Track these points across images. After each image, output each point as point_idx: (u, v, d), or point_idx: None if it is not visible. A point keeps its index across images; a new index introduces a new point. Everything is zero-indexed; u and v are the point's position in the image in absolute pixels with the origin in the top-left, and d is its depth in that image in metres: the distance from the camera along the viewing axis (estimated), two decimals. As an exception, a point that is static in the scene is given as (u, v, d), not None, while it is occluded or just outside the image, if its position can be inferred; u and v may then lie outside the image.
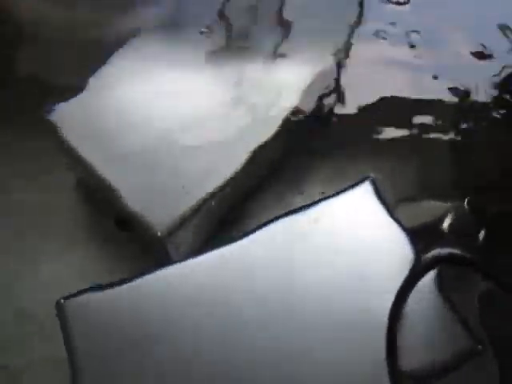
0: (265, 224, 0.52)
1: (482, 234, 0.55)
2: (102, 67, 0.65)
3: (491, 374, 0.51)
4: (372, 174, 0.53)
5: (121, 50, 0.67)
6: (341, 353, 0.44)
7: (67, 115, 0.61)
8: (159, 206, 0.56)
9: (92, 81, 0.64)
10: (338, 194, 0.52)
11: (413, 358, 0.44)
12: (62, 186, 0.67)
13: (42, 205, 0.66)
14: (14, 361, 0.60)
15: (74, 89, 0.62)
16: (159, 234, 0.54)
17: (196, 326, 0.47)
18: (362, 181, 0.52)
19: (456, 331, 0.44)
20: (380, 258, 0.48)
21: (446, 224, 0.56)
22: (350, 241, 0.49)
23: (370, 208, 0.50)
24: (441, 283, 0.47)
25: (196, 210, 0.56)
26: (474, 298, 0.55)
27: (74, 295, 0.50)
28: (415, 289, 0.46)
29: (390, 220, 0.50)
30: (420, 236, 0.51)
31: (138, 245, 0.62)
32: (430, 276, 0.47)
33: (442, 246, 0.51)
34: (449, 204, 0.58)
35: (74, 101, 0.62)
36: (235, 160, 0.60)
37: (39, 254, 0.64)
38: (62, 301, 0.50)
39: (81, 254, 0.63)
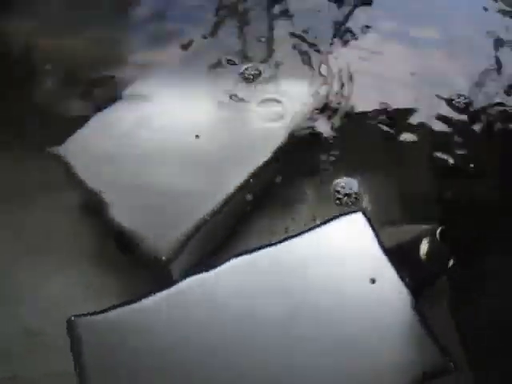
0: (262, 247, 0.57)
1: (451, 260, 0.60)
2: (105, 109, 0.70)
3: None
4: (362, 205, 0.59)
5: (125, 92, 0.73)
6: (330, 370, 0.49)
7: (72, 147, 0.66)
8: (161, 229, 0.61)
9: (94, 118, 0.69)
10: (329, 221, 0.57)
11: (385, 374, 0.49)
12: (66, 208, 0.71)
13: (47, 225, 0.70)
14: (22, 373, 0.63)
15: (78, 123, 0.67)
16: (164, 258, 0.59)
17: (198, 341, 0.52)
18: (352, 211, 0.58)
19: (428, 348, 0.49)
20: (368, 287, 0.53)
21: (421, 247, 0.61)
22: (340, 267, 0.54)
23: (359, 237, 0.56)
24: (414, 297, 0.52)
25: (195, 232, 0.61)
26: (447, 311, 0.60)
27: (85, 314, 0.54)
28: (388, 303, 0.51)
29: (378, 249, 0.55)
30: (399, 257, 0.57)
31: (138, 265, 0.66)
32: (403, 290, 0.52)
33: (417, 268, 0.56)
34: (425, 228, 0.63)
35: (78, 134, 0.67)
36: (232, 183, 0.65)
37: (44, 274, 0.68)
38: (73, 319, 0.54)
39: (86, 273, 0.67)
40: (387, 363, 0.49)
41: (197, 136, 0.68)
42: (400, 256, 0.56)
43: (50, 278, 0.67)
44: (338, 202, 0.70)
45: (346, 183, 0.72)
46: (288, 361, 0.49)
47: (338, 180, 0.72)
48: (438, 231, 0.60)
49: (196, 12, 0.92)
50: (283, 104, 0.73)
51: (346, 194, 0.71)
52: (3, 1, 0.89)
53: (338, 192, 0.71)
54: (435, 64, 0.87)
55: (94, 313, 0.54)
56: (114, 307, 0.54)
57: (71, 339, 0.53)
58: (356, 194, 0.70)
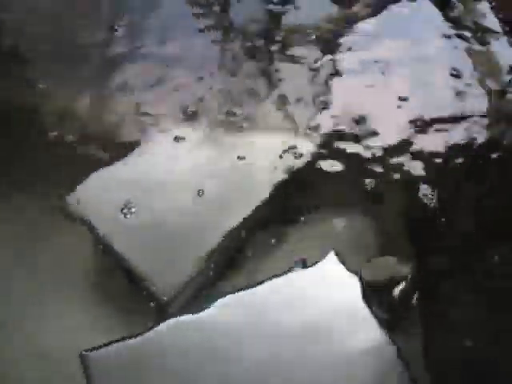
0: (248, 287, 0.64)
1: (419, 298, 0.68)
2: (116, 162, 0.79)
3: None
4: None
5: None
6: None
7: (83, 196, 0.74)
8: (164, 274, 0.69)
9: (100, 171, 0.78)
10: (306, 266, 0.66)
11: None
12: (76, 247, 0.78)
13: (59, 264, 0.77)
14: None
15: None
16: (165, 299, 0.68)
17: (193, 371, 0.59)
18: (327, 253, 0.66)
19: (398, 374, 0.56)
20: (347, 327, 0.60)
21: (394, 285, 0.69)
22: (317, 309, 0.61)
23: (335, 277, 0.63)
24: (388, 328, 0.60)
25: (193, 278, 0.70)
26: (419, 340, 0.67)
27: (96, 348, 0.61)
28: (362, 333, 0.58)
29: (354, 288, 0.62)
30: (374, 293, 0.65)
31: (141, 300, 0.72)
32: (375, 325, 0.59)
33: (390, 304, 0.64)
34: (398, 268, 0.71)
35: (88, 182, 0.76)
36: (229, 222, 0.73)
37: (58, 306, 0.75)
38: (86, 353, 0.61)
39: (93, 306, 0.74)
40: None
41: (199, 192, 0.76)
42: (375, 292, 0.63)
43: (62, 311, 0.74)
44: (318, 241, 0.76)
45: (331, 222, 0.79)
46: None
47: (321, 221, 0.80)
48: (409, 276, 0.68)
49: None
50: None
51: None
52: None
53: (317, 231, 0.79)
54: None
55: (103, 346, 0.61)
56: (120, 340, 0.61)
57: (84, 372, 0.60)
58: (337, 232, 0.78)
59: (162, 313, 0.68)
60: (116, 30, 1.03)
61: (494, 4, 1.02)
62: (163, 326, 0.63)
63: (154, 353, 0.60)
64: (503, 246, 0.75)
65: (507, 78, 0.94)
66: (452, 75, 0.95)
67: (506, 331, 0.69)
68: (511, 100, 0.92)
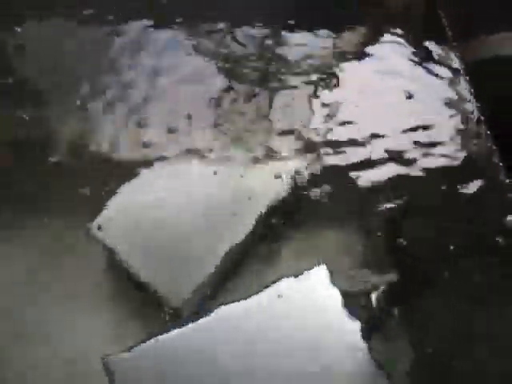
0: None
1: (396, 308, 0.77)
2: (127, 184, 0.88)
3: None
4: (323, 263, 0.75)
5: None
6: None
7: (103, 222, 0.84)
8: (175, 282, 0.78)
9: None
10: (296, 276, 0.74)
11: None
12: (91, 263, 0.87)
13: (77, 278, 0.86)
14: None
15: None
16: (176, 305, 0.77)
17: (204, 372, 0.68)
18: (316, 266, 0.75)
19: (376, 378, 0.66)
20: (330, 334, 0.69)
21: (372, 296, 0.78)
22: (304, 319, 0.70)
23: (321, 289, 0.72)
24: (367, 336, 0.68)
25: (202, 286, 0.79)
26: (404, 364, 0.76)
27: (117, 353, 0.70)
28: (346, 349, 0.67)
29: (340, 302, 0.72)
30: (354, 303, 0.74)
31: (153, 308, 0.81)
32: (359, 337, 0.68)
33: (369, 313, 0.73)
34: (375, 280, 0.80)
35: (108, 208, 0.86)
36: (227, 245, 0.81)
37: (76, 315, 0.83)
38: (108, 357, 0.70)
39: (109, 314, 0.83)
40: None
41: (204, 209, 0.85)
42: (355, 302, 0.73)
43: (82, 319, 0.83)
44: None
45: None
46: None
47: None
48: (379, 291, 0.77)
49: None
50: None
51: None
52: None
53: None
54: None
55: (124, 350, 0.70)
56: (137, 344, 0.70)
57: (107, 376, 0.69)
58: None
59: (176, 317, 0.77)
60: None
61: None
62: (180, 329, 0.72)
63: (173, 354, 0.69)
64: (479, 257, 0.85)
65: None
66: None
67: (477, 333, 0.78)
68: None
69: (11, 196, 0.95)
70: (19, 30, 1.17)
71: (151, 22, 1.18)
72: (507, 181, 0.84)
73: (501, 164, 0.86)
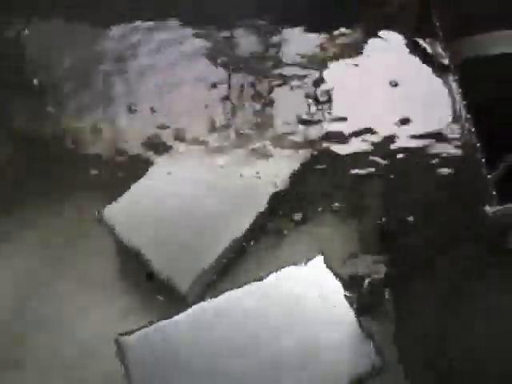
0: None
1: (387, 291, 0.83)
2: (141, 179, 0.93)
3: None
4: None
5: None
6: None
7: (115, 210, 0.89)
8: (183, 270, 0.84)
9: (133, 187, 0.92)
10: (295, 264, 0.80)
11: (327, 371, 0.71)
12: (104, 250, 0.93)
13: (89, 263, 0.92)
14: (78, 374, 0.84)
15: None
16: (183, 292, 0.83)
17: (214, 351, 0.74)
18: (315, 256, 0.80)
19: (365, 349, 0.72)
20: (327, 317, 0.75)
21: (365, 281, 0.84)
22: (302, 305, 0.76)
23: (319, 275, 0.78)
24: (360, 315, 0.75)
25: (208, 270, 0.84)
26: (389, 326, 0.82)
27: (129, 333, 0.75)
28: (333, 314, 0.74)
29: (336, 286, 0.78)
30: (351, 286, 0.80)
31: (161, 293, 0.87)
32: (346, 303, 0.75)
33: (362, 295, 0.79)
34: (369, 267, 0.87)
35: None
36: (231, 233, 0.87)
37: (89, 301, 0.89)
38: (120, 337, 0.76)
39: (121, 300, 0.89)
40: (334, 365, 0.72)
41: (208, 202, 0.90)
42: (352, 285, 0.79)
43: (94, 304, 0.89)
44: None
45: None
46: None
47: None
48: (368, 280, 0.83)
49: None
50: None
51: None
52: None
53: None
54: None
55: (134, 330, 0.76)
56: (149, 324, 0.76)
57: (120, 354, 0.75)
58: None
59: (182, 301, 0.83)
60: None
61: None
62: (188, 310, 0.78)
63: (183, 334, 0.75)
64: (466, 246, 0.91)
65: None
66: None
67: (463, 316, 0.84)
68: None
69: (27, 186, 1.00)
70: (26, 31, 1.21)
71: (151, 24, 1.22)
72: (488, 176, 0.89)
73: (483, 160, 0.92)
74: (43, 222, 0.96)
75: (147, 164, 0.97)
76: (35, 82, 1.09)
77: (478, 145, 0.92)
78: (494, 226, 0.74)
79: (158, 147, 1.02)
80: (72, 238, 0.94)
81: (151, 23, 1.23)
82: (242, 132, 1.04)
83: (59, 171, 1.01)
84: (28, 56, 1.14)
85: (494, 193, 0.84)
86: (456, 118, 1.01)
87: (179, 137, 1.03)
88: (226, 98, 1.10)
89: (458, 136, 0.99)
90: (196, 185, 0.91)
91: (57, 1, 1.16)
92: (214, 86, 1.13)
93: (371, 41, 1.17)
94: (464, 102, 0.99)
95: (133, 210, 0.88)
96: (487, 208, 0.74)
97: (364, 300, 0.79)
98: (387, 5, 1.18)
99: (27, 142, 1.05)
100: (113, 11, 1.23)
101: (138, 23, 1.24)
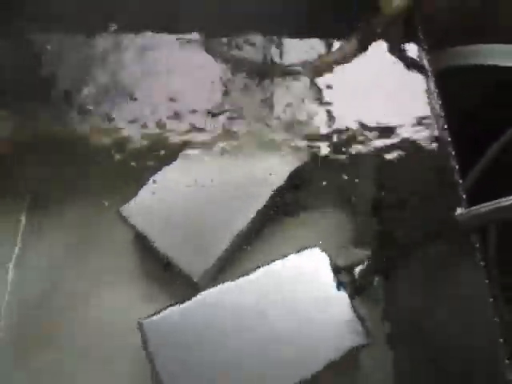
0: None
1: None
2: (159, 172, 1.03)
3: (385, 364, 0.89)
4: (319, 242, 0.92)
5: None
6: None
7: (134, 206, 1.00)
8: (195, 258, 0.94)
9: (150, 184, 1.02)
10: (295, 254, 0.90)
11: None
12: (122, 240, 1.04)
13: (107, 254, 1.03)
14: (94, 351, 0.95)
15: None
16: (196, 279, 0.93)
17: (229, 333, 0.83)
18: (312, 247, 0.91)
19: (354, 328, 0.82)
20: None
21: (355, 268, 0.94)
22: (301, 293, 0.86)
23: (317, 267, 0.89)
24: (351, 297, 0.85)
25: (217, 260, 0.95)
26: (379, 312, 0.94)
27: (150, 316, 0.85)
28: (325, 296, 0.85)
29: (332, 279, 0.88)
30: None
31: (175, 282, 0.98)
32: (343, 295, 0.85)
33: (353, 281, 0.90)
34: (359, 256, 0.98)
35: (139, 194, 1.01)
36: (242, 219, 0.98)
37: (107, 288, 1.00)
38: (142, 320, 0.86)
39: (136, 287, 1.00)
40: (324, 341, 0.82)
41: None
42: (345, 272, 0.90)
43: (113, 291, 1.00)
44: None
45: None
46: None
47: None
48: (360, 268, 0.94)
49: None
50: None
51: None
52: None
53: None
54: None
55: (154, 314, 0.86)
56: (168, 307, 0.86)
57: (142, 337, 0.84)
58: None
59: (196, 287, 0.93)
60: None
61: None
62: (201, 294, 0.87)
63: (197, 316, 0.84)
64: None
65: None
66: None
67: (449, 298, 0.96)
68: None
69: (51, 181, 1.11)
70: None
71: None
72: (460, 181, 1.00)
73: (456, 167, 1.03)
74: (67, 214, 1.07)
75: (161, 161, 1.07)
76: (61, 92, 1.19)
77: (453, 152, 1.03)
78: (461, 227, 0.84)
79: (169, 146, 1.13)
80: (92, 231, 1.06)
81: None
82: (242, 131, 1.14)
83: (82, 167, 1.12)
84: (51, 70, 1.24)
85: (464, 196, 0.95)
86: (432, 117, 1.12)
87: (188, 138, 1.14)
88: (226, 97, 1.20)
89: (431, 135, 1.11)
90: (204, 179, 1.02)
91: (79, 17, 1.25)
92: (214, 87, 1.22)
93: (366, 49, 1.27)
94: (440, 102, 1.10)
95: (148, 207, 0.98)
96: (457, 210, 0.84)
97: (356, 285, 0.90)
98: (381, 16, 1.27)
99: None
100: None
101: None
